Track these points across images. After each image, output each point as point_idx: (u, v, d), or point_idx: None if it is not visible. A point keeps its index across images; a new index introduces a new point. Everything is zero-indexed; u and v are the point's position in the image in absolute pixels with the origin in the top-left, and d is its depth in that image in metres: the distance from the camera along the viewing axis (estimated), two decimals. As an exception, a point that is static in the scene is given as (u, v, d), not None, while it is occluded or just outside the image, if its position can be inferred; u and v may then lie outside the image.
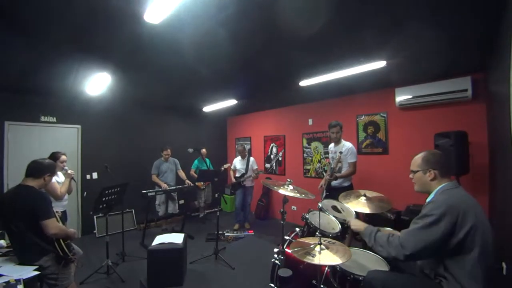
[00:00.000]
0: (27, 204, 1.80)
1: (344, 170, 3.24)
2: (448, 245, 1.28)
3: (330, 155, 3.53)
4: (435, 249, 1.31)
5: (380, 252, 1.50)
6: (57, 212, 2.06)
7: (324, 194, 3.24)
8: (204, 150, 5.39)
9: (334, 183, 3.18)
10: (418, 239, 1.32)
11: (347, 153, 3.21)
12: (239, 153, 4.90)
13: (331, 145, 3.53)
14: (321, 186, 3.44)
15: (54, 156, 2.87)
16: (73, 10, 1.80)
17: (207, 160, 5.43)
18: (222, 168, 5.24)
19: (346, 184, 3.24)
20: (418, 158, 1.56)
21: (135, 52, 2.54)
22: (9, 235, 1.86)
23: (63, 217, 3.10)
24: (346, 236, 2.21)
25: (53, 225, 1.83)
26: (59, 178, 2.85)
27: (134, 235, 4.46)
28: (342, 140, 3.36)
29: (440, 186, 1.46)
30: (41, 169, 1.98)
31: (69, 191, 3.08)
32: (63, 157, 2.92)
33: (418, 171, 1.53)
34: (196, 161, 5.30)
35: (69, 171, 2.83)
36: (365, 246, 2.16)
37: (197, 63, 2.83)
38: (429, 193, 1.51)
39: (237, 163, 4.91)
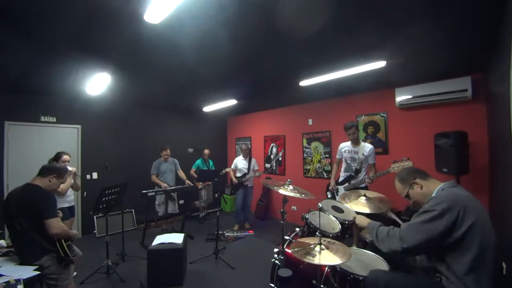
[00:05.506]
0: (32, 202, 1.81)
1: (364, 172, 3.28)
2: (447, 241, 1.29)
3: (348, 155, 3.38)
4: (433, 244, 1.32)
5: (379, 246, 1.50)
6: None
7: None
8: (207, 151, 5.38)
9: (360, 185, 3.17)
10: (418, 233, 1.33)
11: (369, 154, 3.23)
12: (242, 152, 4.87)
13: (346, 144, 3.42)
14: (332, 186, 3.44)
15: (57, 156, 3.00)
16: (73, 10, 1.80)
17: (210, 162, 5.42)
18: (223, 171, 5.22)
19: (363, 185, 3.20)
20: (398, 184, 1.64)
21: (135, 52, 2.55)
22: (11, 233, 1.86)
23: (71, 212, 3.16)
24: (346, 236, 2.21)
25: (56, 225, 1.83)
26: None
27: (134, 235, 4.45)
28: (361, 141, 3.35)
29: (439, 186, 1.47)
30: (50, 169, 2.03)
31: (76, 188, 3.17)
32: (65, 157, 3.03)
33: (407, 191, 1.58)
34: (198, 161, 5.27)
35: (70, 169, 2.90)
36: (365, 246, 2.16)
37: (197, 63, 2.83)
38: None
39: (239, 162, 4.88)
